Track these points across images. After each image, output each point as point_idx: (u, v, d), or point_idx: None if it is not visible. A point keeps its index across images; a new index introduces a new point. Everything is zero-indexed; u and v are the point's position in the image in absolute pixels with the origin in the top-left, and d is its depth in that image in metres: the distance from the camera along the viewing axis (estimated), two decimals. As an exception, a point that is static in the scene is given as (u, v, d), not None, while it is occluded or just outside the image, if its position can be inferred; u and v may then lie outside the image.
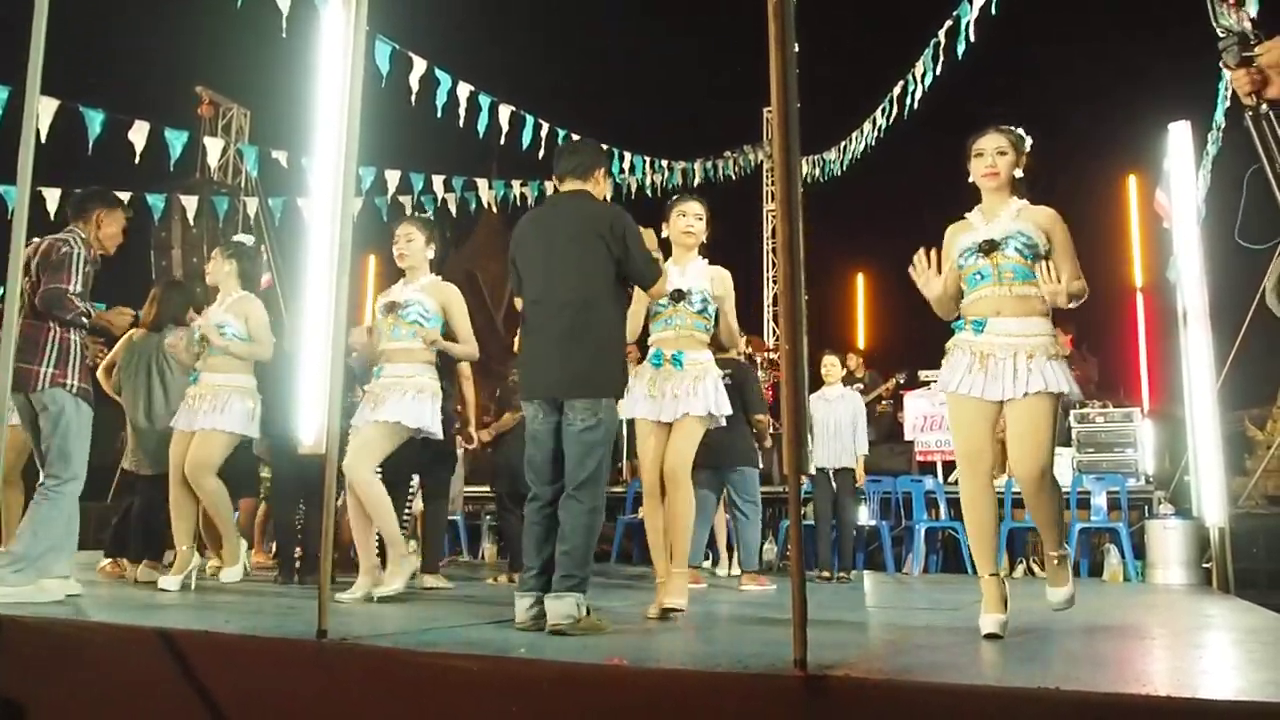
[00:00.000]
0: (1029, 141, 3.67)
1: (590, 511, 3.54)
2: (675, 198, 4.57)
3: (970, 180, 3.70)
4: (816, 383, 7.12)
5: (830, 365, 7.13)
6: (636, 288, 4.01)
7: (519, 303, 3.94)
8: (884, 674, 2.54)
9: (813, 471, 7.04)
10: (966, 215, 3.72)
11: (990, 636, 3.32)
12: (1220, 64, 2.90)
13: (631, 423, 4.48)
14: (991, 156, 3.60)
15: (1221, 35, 2.85)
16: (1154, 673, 2.76)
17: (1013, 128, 3.66)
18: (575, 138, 10.55)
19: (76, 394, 4.28)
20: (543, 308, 3.73)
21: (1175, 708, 2.09)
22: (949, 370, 3.58)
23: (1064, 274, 3.47)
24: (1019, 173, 3.63)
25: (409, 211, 10.93)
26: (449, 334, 4.89)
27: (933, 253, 3.68)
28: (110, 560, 5.95)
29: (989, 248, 3.51)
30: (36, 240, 4.38)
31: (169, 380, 5.62)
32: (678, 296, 4.27)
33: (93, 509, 7.63)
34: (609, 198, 4.06)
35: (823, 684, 2.23)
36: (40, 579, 4.05)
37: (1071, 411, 8.49)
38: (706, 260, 4.48)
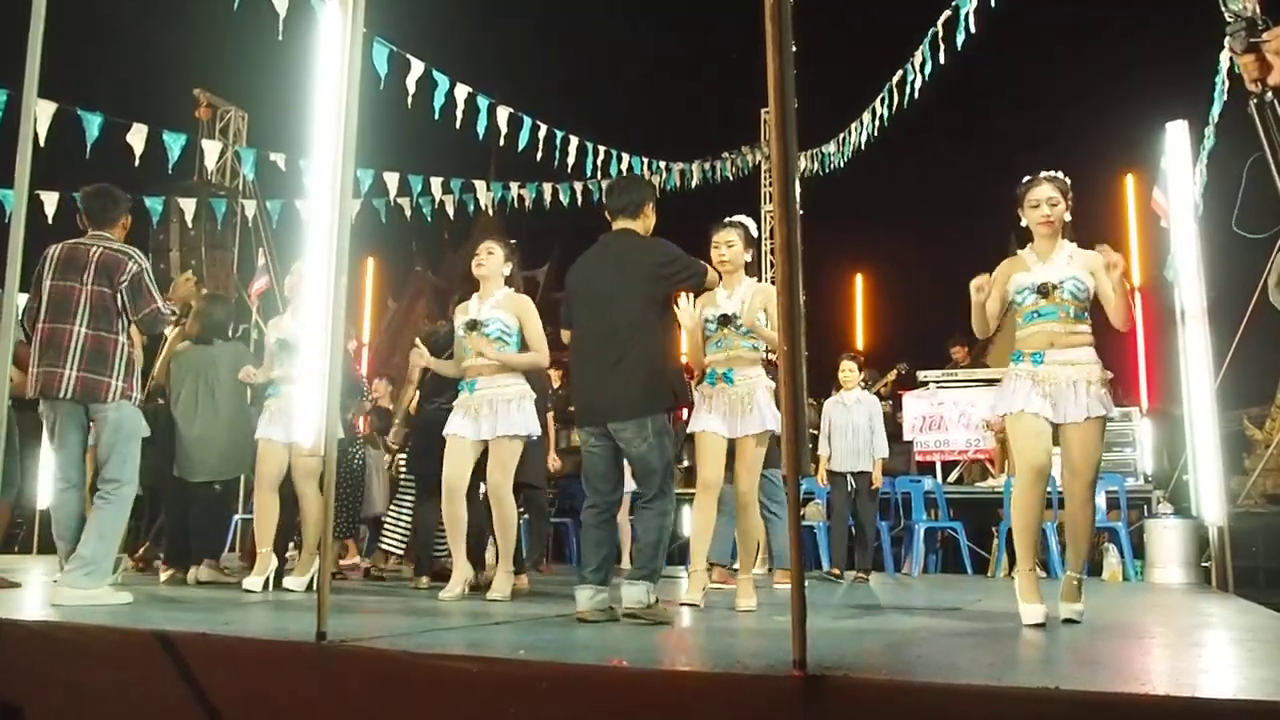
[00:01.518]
0: (1069, 184, 4.05)
1: (660, 515, 3.94)
2: (715, 227, 4.83)
3: (1024, 225, 4.06)
4: (833, 387, 7.16)
5: (848, 370, 7.14)
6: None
7: (565, 336, 4.31)
8: (883, 674, 2.54)
9: (821, 477, 7.07)
10: (1019, 253, 4.10)
11: (1036, 626, 3.64)
12: (1226, 47, 2.90)
13: (692, 434, 4.82)
14: (1046, 207, 3.96)
15: (1230, 20, 2.85)
16: (1153, 672, 2.76)
17: (1058, 174, 4.01)
18: (573, 139, 10.61)
19: (137, 404, 4.44)
20: (589, 342, 4.11)
21: (1174, 706, 2.09)
22: (1011, 394, 3.94)
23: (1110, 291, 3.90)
24: (1068, 216, 4.01)
25: (407, 214, 10.95)
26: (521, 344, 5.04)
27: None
28: (135, 557, 6.08)
29: (1046, 290, 3.89)
30: (83, 244, 4.38)
31: (219, 393, 5.69)
32: (724, 321, 4.66)
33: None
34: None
35: (822, 684, 2.22)
36: (108, 580, 4.28)
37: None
38: (755, 280, 4.83)
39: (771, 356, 6.25)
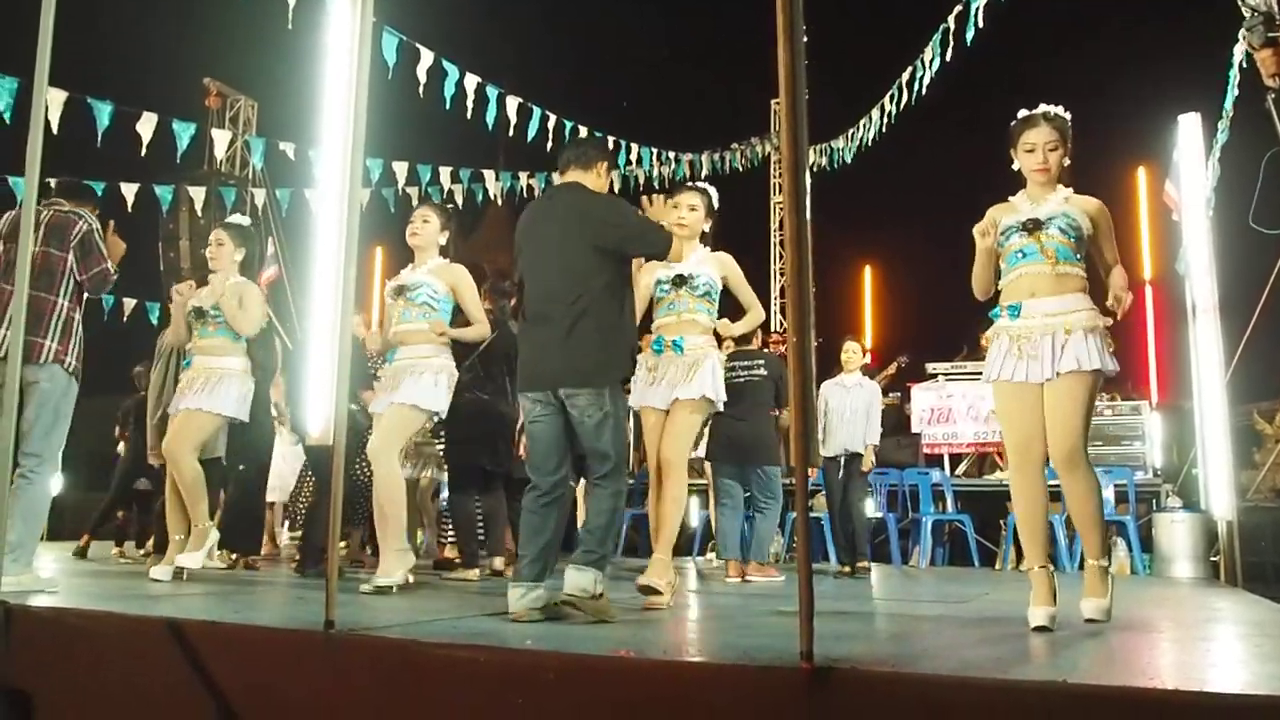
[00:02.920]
0: (1070, 121, 3.61)
1: (613, 495, 3.62)
2: (676, 188, 4.60)
3: (1015, 169, 3.66)
4: (835, 369, 7.10)
5: (851, 352, 7.02)
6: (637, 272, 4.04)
7: None
8: (890, 666, 2.54)
9: (820, 463, 7.00)
10: (1011, 199, 3.67)
11: (1039, 629, 3.28)
12: (1242, 40, 2.87)
13: (638, 411, 4.49)
14: (1043, 153, 3.54)
15: (1247, 15, 2.83)
16: (1161, 666, 2.76)
17: (1059, 112, 3.58)
18: (583, 130, 10.59)
19: (71, 372, 4.26)
20: (539, 301, 3.73)
21: (1182, 701, 2.09)
22: (991, 360, 3.56)
23: (1107, 255, 3.53)
24: (1067, 161, 3.58)
25: (414, 204, 10.94)
26: (459, 319, 4.84)
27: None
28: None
29: (1033, 225, 3.49)
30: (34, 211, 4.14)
31: None
32: (680, 281, 4.38)
33: (96, 500, 7.70)
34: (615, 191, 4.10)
35: (829, 676, 2.23)
36: (33, 565, 4.10)
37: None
38: (709, 249, 4.57)
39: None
